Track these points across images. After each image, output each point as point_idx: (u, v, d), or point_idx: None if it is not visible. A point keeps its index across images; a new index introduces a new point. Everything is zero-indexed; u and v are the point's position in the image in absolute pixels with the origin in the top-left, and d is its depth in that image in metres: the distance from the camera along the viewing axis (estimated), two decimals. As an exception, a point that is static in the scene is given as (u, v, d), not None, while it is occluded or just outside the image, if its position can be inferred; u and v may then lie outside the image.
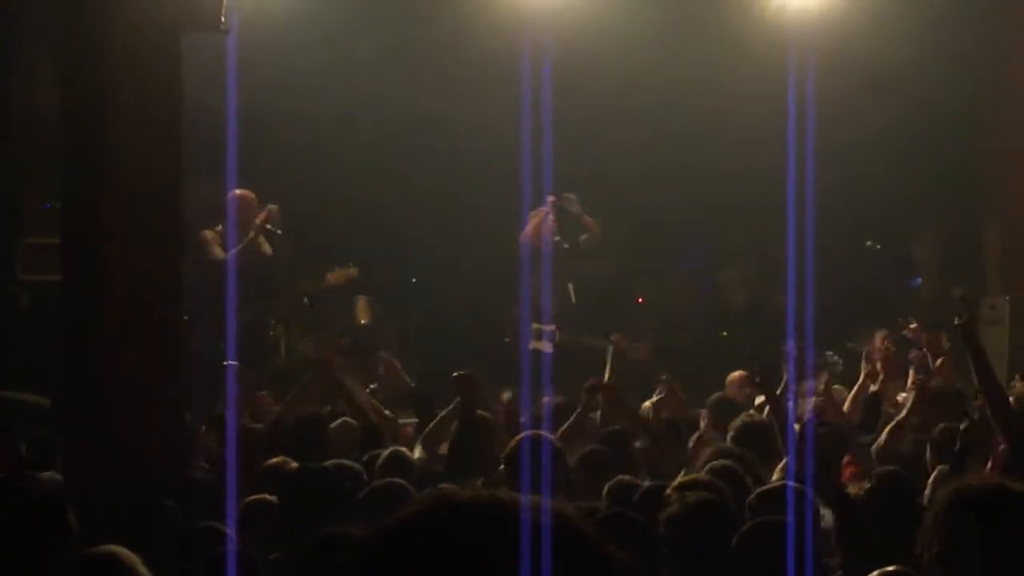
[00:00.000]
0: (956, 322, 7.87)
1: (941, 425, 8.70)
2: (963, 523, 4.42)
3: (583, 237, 15.36)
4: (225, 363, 9.24)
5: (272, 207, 14.35)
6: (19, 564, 6.22)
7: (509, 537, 2.19)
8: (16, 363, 12.79)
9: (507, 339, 15.17)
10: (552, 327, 14.34)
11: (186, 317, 10.30)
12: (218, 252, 13.50)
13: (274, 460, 8.67)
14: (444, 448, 9.60)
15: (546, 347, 14.07)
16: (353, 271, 14.95)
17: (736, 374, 12.79)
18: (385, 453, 8.64)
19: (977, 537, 4.39)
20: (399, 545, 2.21)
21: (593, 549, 2.25)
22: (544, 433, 8.12)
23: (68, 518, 6.57)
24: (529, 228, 14.84)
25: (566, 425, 9.79)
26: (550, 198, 14.77)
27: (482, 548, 2.19)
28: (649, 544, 5.94)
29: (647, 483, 7.57)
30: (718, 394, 11.85)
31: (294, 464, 8.54)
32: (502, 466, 7.88)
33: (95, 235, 9.45)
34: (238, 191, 13.57)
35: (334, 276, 14.89)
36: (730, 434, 9.17)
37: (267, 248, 14.10)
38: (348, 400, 10.86)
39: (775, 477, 7.77)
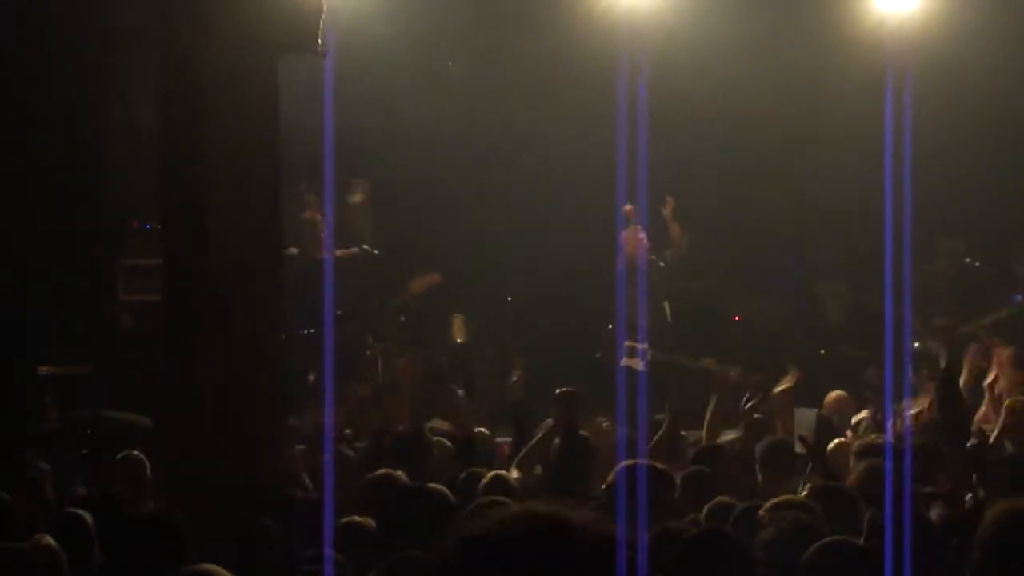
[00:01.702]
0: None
1: None
2: (1001, 538, 4.50)
3: (666, 252, 15.30)
4: (320, 384, 9.30)
5: (359, 181, 14.44)
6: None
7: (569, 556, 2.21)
8: (118, 383, 12.93)
9: (599, 355, 15.13)
10: (645, 345, 14.29)
11: (285, 335, 10.39)
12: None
13: (378, 473, 8.68)
14: (539, 469, 9.56)
15: (639, 365, 14.02)
16: (435, 276, 14.98)
17: (835, 393, 12.68)
18: (487, 477, 8.61)
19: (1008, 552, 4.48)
20: (480, 554, 2.22)
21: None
22: (646, 462, 8.07)
23: (183, 535, 6.65)
24: (626, 244, 14.78)
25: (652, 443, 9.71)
26: (626, 208, 14.61)
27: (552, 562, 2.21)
28: (744, 563, 5.89)
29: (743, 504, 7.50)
30: (816, 413, 11.76)
31: (398, 474, 8.56)
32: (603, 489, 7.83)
33: (195, 255, 9.54)
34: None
35: (417, 284, 14.94)
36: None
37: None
38: (449, 413, 10.89)
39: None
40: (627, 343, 14.46)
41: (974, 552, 4.58)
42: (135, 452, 9.56)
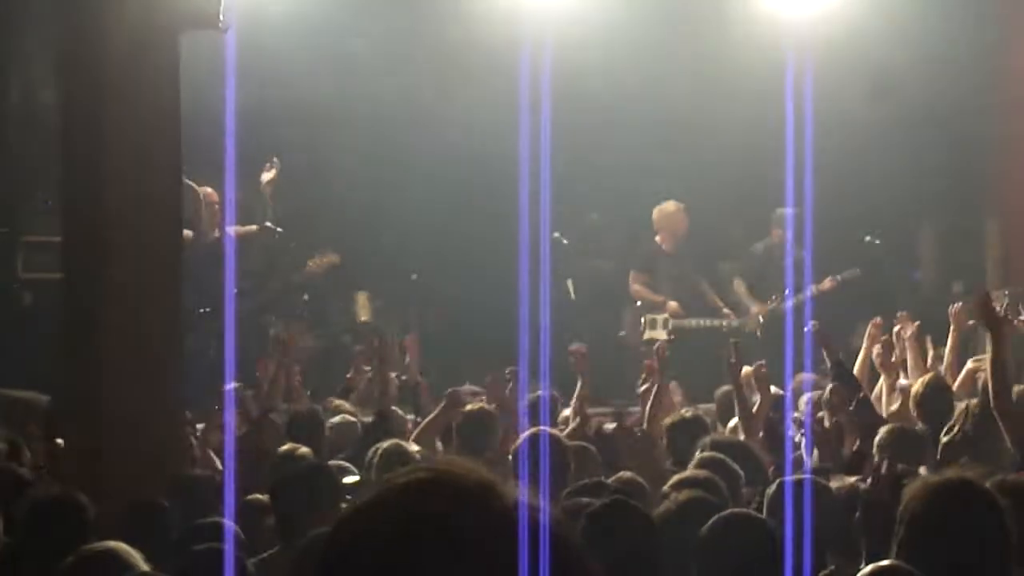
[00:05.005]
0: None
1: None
2: (927, 513, 4.58)
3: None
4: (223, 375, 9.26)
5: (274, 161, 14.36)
6: (39, 561, 6.26)
7: (488, 521, 2.15)
8: (16, 361, 12.81)
9: (622, 333, 15.19)
10: (665, 315, 14.62)
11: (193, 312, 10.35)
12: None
13: (284, 448, 8.64)
14: (439, 444, 9.58)
15: (662, 335, 14.21)
16: (334, 257, 14.92)
17: (749, 369, 12.76)
18: (382, 448, 8.58)
19: (936, 527, 4.56)
20: (373, 521, 2.18)
21: (572, 555, 2.21)
22: (547, 429, 8.13)
23: (87, 515, 6.63)
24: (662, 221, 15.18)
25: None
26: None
27: (458, 528, 2.15)
28: (650, 532, 5.91)
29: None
30: (725, 388, 11.78)
31: (304, 450, 8.53)
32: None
33: (95, 233, 9.48)
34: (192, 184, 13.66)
35: (315, 263, 14.87)
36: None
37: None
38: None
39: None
40: (646, 316, 14.72)
41: (897, 527, 4.67)
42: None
